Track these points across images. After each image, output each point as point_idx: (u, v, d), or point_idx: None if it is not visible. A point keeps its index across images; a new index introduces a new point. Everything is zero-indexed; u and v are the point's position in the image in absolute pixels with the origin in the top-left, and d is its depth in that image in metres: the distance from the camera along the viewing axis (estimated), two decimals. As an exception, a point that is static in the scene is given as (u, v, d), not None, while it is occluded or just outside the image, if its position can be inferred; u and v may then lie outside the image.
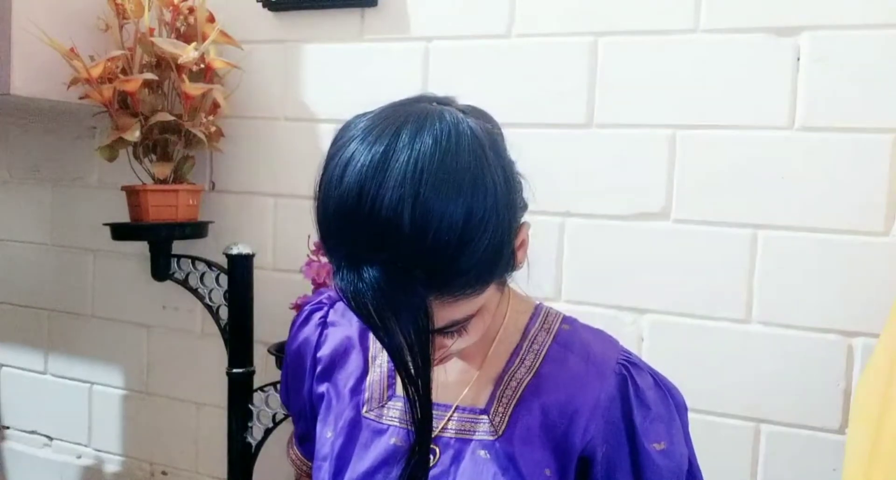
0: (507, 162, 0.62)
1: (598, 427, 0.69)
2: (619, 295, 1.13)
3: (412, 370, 0.58)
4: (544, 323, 0.76)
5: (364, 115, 0.63)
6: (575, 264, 1.16)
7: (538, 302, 0.79)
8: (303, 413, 0.86)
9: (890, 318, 0.88)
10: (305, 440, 0.89)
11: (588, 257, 1.15)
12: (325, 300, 0.86)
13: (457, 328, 0.62)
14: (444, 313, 0.59)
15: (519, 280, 0.73)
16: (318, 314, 0.85)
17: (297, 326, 0.86)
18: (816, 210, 1.02)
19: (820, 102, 1.02)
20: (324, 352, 0.81)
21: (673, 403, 0.72)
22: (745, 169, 1.06)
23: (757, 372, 1.06)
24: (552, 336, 0.74)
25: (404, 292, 0.55)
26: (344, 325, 0.82)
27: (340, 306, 0.85)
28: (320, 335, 0.83)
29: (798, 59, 1.03)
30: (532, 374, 0.72)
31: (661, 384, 0.73)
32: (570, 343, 0.74)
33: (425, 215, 0.54)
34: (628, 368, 0.71)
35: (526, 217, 0.67)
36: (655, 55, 1.09)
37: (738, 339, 1.07)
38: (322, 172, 0.60)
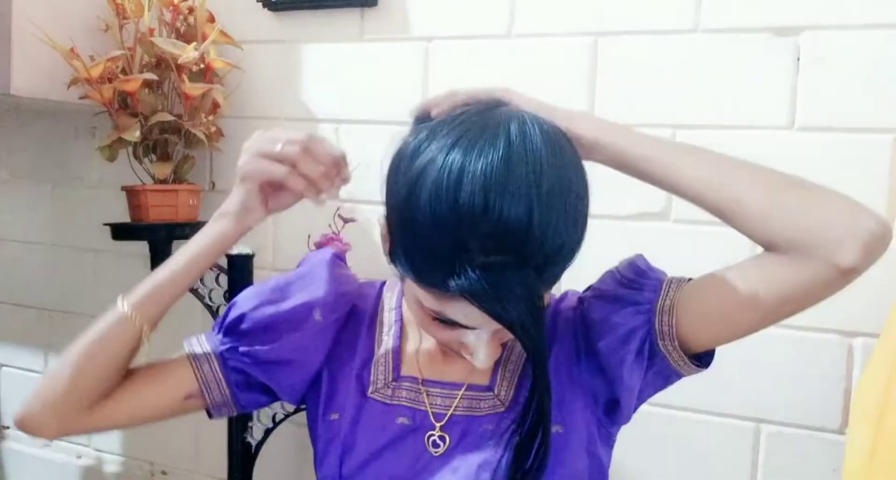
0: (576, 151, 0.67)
1: (574, 335, 0.75)
2: (619, 295, 1.13)
3: (536, 344, 0.61)
4: None
5: (437, 127, 0.63)
6: (575, 264, 1.15)
7: None
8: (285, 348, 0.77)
9: (890, 318, 0.88)
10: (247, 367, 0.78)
11: (588, 258, 1.14)
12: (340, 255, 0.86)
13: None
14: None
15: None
16: (368, 284, 0.85)
17: (340, 265, 0.83)
18: (816, 210, 1.02)
19: (820, 102, 1.02)
20: (351, 312, 0.81)
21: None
22: (745, 169, 1.05)
23: (757, 372, 1.06)
24: (549, 309, 0.78)
25: (525, 286, 0.59)
26: (352, 305, 0.83)
27: (355, 285, 0.85)
28: (360, 294, 0.83)
29: (798, 59, 1.03)
30: None
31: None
32: (558, 308, 0.79)
33: (550, 218, 0.58)
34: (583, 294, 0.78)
35: None
36: (655, 55, 1.09)
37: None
38: (411, 185, 0.60)
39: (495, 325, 0.61)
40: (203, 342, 0.79)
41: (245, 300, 0.78)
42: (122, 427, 0.79)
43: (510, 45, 1.17)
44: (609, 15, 1.11)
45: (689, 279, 0.71)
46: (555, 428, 0.71)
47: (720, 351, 1.09)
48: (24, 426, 0.72)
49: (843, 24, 1.00)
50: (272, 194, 0.73)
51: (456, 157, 0.58)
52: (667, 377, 0.73)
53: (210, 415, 0.82)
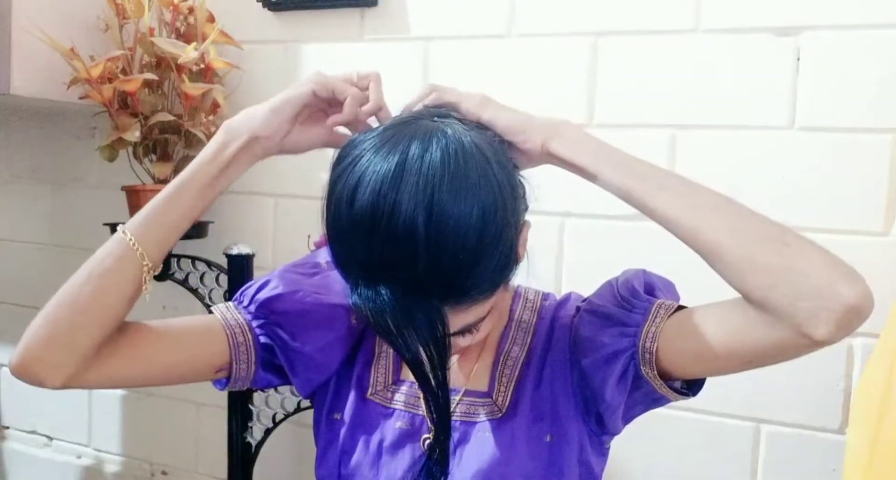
0: (509, 169, 0.64)
1: (569, 346, 0.74)
2: (619, 295, 1.13)
3: (431, 379, 0.60)
4: (526, 303, 0.79)
5: (366, 134, 0.63)
6: (575, 264, 1.16)
7: (517, 285, 0.81)
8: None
9: (890, 318, 0.88)
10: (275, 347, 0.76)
11: (588, 257, 1.15)
12: None
13: (467, 331, 0.65)
14: (458, 318, 0.62)
15: (520, 279, 0.73)
16: None
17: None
18: (816, 210, 1.02)
19: (820, 102, 1.02)
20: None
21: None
22: (745, 169, 1.05)
23: (757, 372, 1.06)
24: (536, 313, 0.78)
25: (422, 306, 0.57)
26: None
27: None
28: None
29: (798, 59, 1.03)
30: (526, 351, 0.76)
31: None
32: (550, 315, 0.79)
33: (440, 230, 0.55)
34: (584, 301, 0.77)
35: (526, 217, 0.69)
36: (655, 55, 1.09)
37: (738, 339, 1.07)
38: (329, 191, 0.61)
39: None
40: (234, 312, 0.76)
41: (284, 281, 0.76)
42: (128, 385, 0.75)
43: (510, 45, 1.17)
44: (609, 15, 1.11)
45: (680, 307, 0.70)
46: (546, 437, 0.71)
47: (720, 351, 1.09)
48: (24, 372, 0.65)
49: (843, 24, 1.00)
50: (305, 122, 0.72)
51: (360, 166, 0.58)
52: (654, 399, 0.71)
53: (222, 386, 0.77)
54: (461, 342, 0.67)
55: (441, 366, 0.59)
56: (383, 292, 0.57)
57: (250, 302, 0.77)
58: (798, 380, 1.04)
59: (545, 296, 0.81)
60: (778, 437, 1.06)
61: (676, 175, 0.65)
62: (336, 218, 0.59)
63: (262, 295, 0.76)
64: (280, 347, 0.75)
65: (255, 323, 0.75)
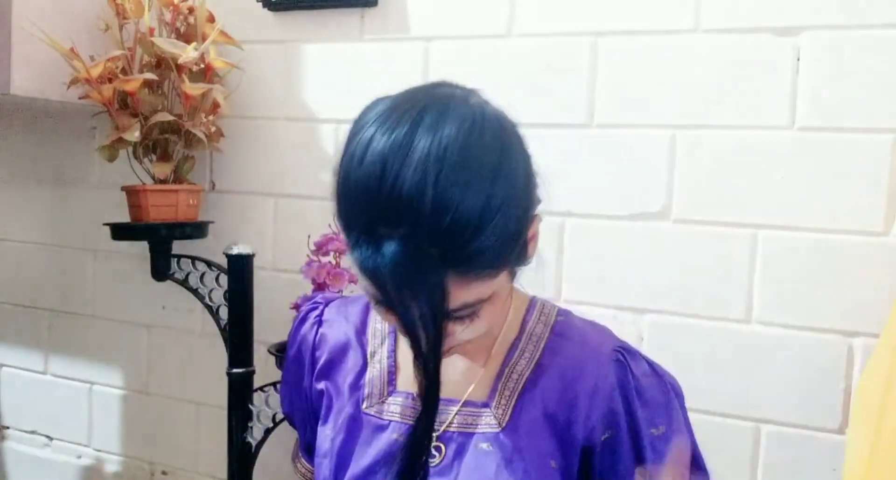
0: (527, 154, 0.64)
1: (598, 415, 0.71)
2: (619, 295, 1.13)
3: (424, 347, 0.59)
4: (541, 316, 0.77)
5: (385, 98, 0.64)
6: (575, 264, 1.16)
7: (532, 295, 0.79)
8: (307, 419, 0.85)
9: (890, 318, 0.88)
10: (312, 449, 0.86)
11: (588, 257, 1.15)
12: (319, 300, 0.86)
13: (468, 312, 0.62)
14: (458, 293, 0.60)
15: (520, 279, 0.73)
16: (314, 313, 0.85)
17: (294, 327, 0.86)
18: (816, 210, 1.02)
19: (820, 102, 1.02)
20: (322, 350, 0.81)
21: (670, 389, 0.74)
22: (745, 169, 1.05)
23: (757, 372, 1.06)
24: (549, 328, 0.76)
25: (422, 268, 0.56)
26: (340, 322, 0.82)
27: (336, 304, 0.85)
28: (316, 333, 0.83)
29: (798, 59, 1.03)
30: (532, 366, 0.73)
31: (656, 370, 0.74)
32: (567, 334, 0.75)
33: (445, 195, 0.55)
34: (624, 355, 0.73)
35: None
36: (655, 55, 1.09)
37: (738, 339, 1.07)
38: (343, 150, 0.61)
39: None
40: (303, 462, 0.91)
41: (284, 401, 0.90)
42: None
43: (510, 45, 1.17)
44: (609, 15, 1.11)
45: None
46: (551, 462, 0.70)
47: (720, 351, 1.09)
48: None
49: (843, 24, 1.00)
50: None
51: (372, 128, 0.59)
52: None
53: None
54: (459, 332, 0.64)
55: (436, 333, 0.58)
56: (385, 250, 0.56)
57: (304, 453, 0.91)
58: (798, 380, 1.04)
59: (561, 312, 0.78)
60: (778, 437, 1.06)
61: None
62: (345, 176, 0.59)
63: (301, 441, 0.90)
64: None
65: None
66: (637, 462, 0.70)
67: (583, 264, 1.15)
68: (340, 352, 0.80)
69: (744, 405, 1.07)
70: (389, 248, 0.56)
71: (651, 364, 0.74)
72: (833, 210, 1.02)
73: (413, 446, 0.64)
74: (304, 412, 0.86)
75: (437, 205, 0.55)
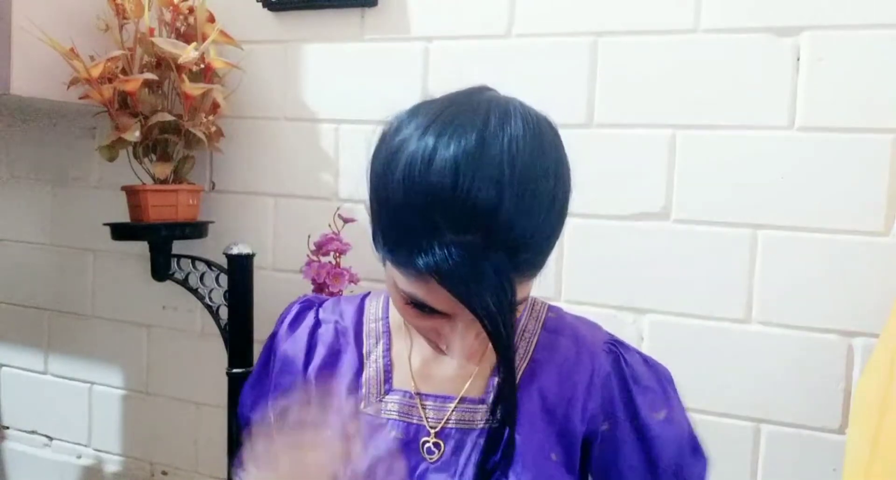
0: (566, 151, 0.65)
1: (596, 405, 0.72)
2: (619, 295, 1.13)
3: (503, 334, 0.60)
4: (531, 313, 0.78)
5: (421, 107, 0.63)
6: (575, 264, 1.16)
7: None
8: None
9: (890, 318, 0.88)
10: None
11: (588, 257, 1.15)
12: (313, 299, 0.86)
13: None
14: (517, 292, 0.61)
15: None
16: (310, 314, 0.84)
17: (287, 324, 0.84)
18: (816, 210, 1.02)
19: (820, 102, 1.02)
20: (317, 351, 0.81)
21: (664, 377, 0.76)
22: (745, 169, 1.06)
23: (757, 372, 1.06)
24: (541, 324, 0.77)
25: (493, 267, 0.57)
26: (333, 322, 0.82)
27: (330, 304, 0.84)
28: (312, 333, 0.82)
29: (798, 59, 1.03)
30: (527, 361, 0.74)
31: (648, 360, 0.76)
32: (558, 329, 0.77)
33: (518, 206, 0.56)
34: (617, 347, 0.75)
35: None
36: (655, 55, 1.09)
37: (738, 339, 1.07)
38: (387, 162, 0.60)
39: (468, 313, 0.60)
40: None
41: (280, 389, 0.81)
42: None
43: (510, 45, 1.17)
44: (609, 15, 1.11)
45: None
46: (552, 456, 0.71)
47: (720, 351, 1.09)
48: None
49: (843, 24, 1.00)
50: None
51: (432, 135, 0.58)
52: None
53: None
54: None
55: (510, 325, 0.59)
56: (455, 253, 0.56)
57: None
58: (798, 380, 1.04)
59: (552, 308, 0.80)
60: (778, 437, 1.06)
61: None
62: (405, 184, 0.58)
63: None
64: None
65: None
66: (640, 446, 0.72)
67: (583, 264, 1.15)
68: (336, 353, 0.80)
69: (744, 405, 1.07)
70: (458, 252, 0.56)
71: (642, 355, 0.77)
72: (833, 210, 1.02)
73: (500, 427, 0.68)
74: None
75: (511, 215, 0.56)
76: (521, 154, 0.57)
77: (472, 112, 0.59)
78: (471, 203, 0.55)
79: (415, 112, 0.62)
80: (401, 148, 0.59)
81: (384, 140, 0.63)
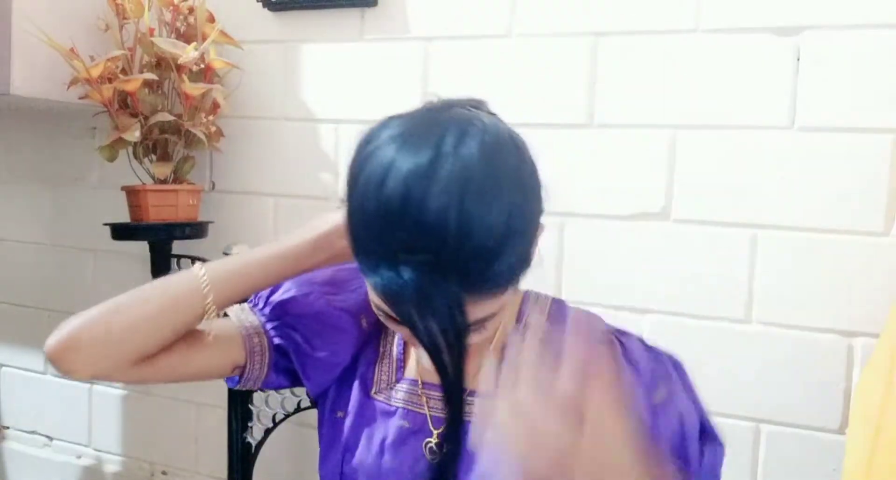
0: (536, 167, 0.64)
1: None
2: (619, 295, 1.13)
3: (448, 365, 0.59)
4: (536, 305, 0.79)
5: (396, 117, 0.63)
6: (575, 264, 1.16)
7: (525, 289, 0.80)
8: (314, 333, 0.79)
9: (890, 318, 0.88)
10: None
11: (588, 257, 1.15)
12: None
13: (479, 326, 0.64)
14: (472, 312, 0.60)
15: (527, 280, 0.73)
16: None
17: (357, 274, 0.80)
18: (816, 210, 1.02)
19: (820, 102, 1.02)
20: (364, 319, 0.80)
21: (668, 361, 0.76)
22: (745, 169, 1.05)
23: (757, 372, 1.06)
24: (545, 316, 0.77)
25: (443, 291, 0.56)
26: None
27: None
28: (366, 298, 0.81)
29: (798, 59, 1.03)
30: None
31: (651, 347, 0.76)
32: (560, 321, 0.77)
33: (469, 221, 0.55)
34: (618, 336, 0.76)
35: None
36: (655, 55, 1.09)
37: (738, 339, 1.07)
38: (355, 173, 0.60)
39: None
40: (248, 314, 0.78)
41: (296, 284, 0.78)
42: (157, 382, 0.78)
43: (510, 45, 1.17)
44: (609, 15, 1.11)
45: None
46: None
47: (720, 351, 1.09)
48: (60, 359, 0.67)
49: (843, 24, 1.00)
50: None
51: (392, 150, 0.58)
52: None
53: (233, 384, 0.79)
54: (469, 338, 0.65)
55: (458, 351, 0.59)
56: (405, 275, 0.56)
57: (265, 304, 0.78)
58: (798, 380, 1.04)
59: (555, 301, 0.80)
60: (778, 437, 1.06)
61: None
62: (362, 201, 0.58)
63: (276, 297, 0.77)
64: (294, 350, 0.76)
65: (269, 326, 0.77)
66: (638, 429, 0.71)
67: (583, 264, 1.15)
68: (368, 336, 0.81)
69: (744, 405, 1.07)
70: (409, 273, 0.56)
71: (644, 342, 0.77)
72: (833, 210, 1.02)
73: (444, 459, 0.66)
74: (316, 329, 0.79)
75: (459, 233, 0.55)
76: (472, 174, 0.56)
77: (430, 130, 0.59)
78: (420, 222, 0.55)
79: (386, 124, 0.62)
80: (367, 159, 0.59)
81: (357, 150, 0.63)
